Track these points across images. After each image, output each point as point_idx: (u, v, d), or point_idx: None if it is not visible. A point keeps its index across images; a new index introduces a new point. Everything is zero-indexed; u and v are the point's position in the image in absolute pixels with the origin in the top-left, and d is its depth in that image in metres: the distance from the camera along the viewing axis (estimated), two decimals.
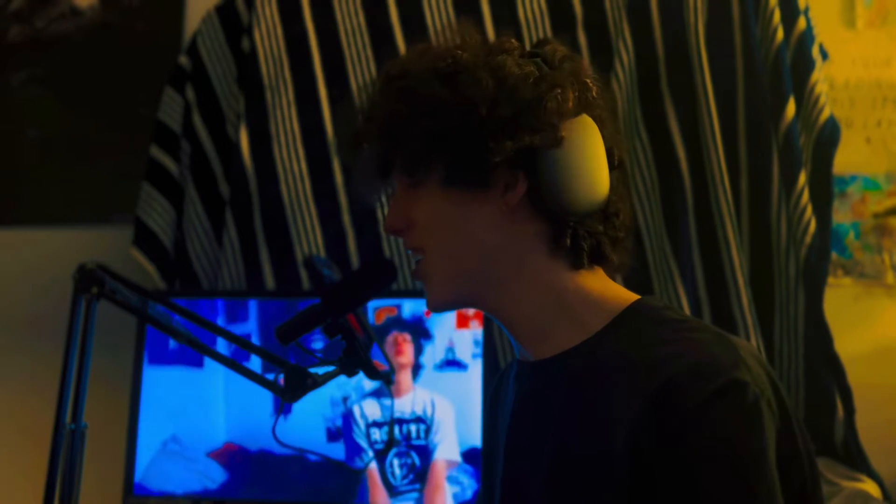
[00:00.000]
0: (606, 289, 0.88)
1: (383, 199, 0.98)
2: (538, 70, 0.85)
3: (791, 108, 1.73)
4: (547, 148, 0.83)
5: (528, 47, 0.91)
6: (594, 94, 0.89)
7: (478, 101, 0.82)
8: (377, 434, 1.63)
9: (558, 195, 0.83)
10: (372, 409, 1.64)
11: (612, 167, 0.88)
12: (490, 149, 0.82)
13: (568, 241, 0.85)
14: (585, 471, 0.78)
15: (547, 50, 0.89)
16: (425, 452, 1.60)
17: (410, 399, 1.62)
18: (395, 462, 1.61)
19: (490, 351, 1.63)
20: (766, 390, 0.76)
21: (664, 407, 0.74)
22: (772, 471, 0.73)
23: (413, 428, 1.61)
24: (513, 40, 0.90)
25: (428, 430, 1.60)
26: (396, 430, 1.61)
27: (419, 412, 1.62)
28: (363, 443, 1.62)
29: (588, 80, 0.89)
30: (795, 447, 0.78)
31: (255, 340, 1.67)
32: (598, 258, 0.88)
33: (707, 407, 0.73)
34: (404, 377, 1.63)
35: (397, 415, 1.62)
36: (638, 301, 0.86)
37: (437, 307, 0.90)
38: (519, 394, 0.92)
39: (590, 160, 0.85)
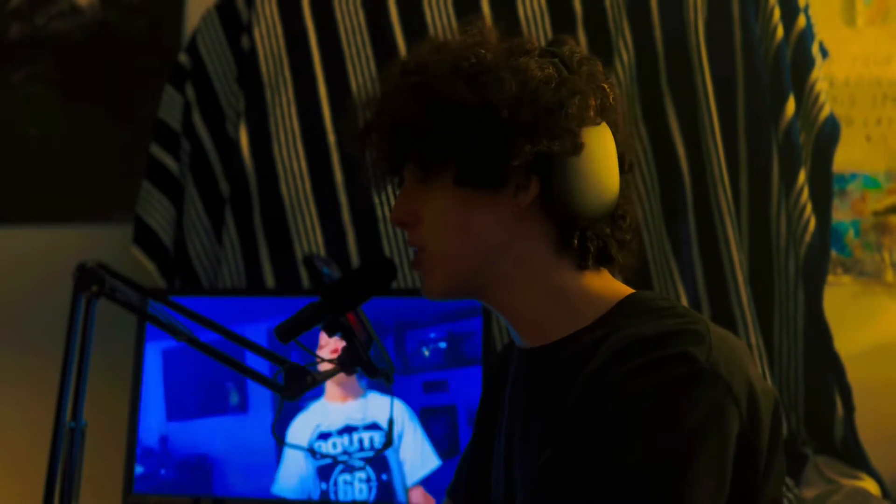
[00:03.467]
0: (606, 286, 0.88)
1: (388, 191, 0.97)
2: (558, 73, 0.85)
3: (791, 106, 1.73)
4: (565, 155, 0.83)
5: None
6: (611, 99, 0.89)
7: (499, 104, 0.82)
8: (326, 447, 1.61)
9: (570, 200, 0.84)
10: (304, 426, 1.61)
11: (622, 171, 0.89)
12: (507, 152, 0.82)
13: (575, 242, 0.86)
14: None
15: (565, 51, 0.88)
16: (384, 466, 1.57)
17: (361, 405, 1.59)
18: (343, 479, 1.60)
19: (489, 345, 1.63)
20: (728, 376, 0.74)
21: (610, 367, 0.76)
22: (683, 444, 0.72)
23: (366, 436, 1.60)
24: (533, 40, 0.89)
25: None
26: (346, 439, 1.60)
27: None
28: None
29: (605, 86, 0.89)
30: (757, 443, 0.76)
31: None
32: (604, 260, 0.88)
33: (644, 370, 0.74)
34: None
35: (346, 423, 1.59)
36: (633, 294, 0.87)
37: (434, 297, 0.91)
38: (515, 379, 0.94)
39: (603, 167, 0.86)
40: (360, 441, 1.60)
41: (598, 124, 0.86)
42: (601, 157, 0.85)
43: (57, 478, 1.11)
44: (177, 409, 1.67)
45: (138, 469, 1.66)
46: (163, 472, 1.66)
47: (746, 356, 0.80)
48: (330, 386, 1.60)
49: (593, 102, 0.85)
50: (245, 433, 1.64)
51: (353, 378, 1.58)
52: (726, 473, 0.74)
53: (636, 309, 0.84)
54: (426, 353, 1.58)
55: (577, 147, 0.83)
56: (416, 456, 1.57)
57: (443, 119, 0.83)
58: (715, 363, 0.74)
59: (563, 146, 0.82)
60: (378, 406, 1.60)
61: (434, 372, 1.58)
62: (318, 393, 1.61)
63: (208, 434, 1.66)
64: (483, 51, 0.85)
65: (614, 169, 0.87)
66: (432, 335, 1.59)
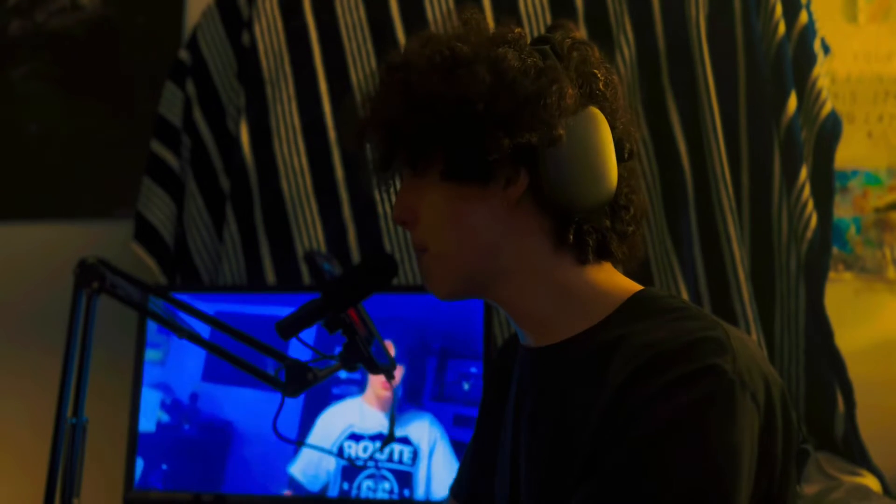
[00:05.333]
0: (612, 282, 0.87)
1: (387, 190, 0.97)
2: (542, 61, 0.83)
3: (792, 103, 1.73)
4: (545, 146, 0.81)
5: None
6: (601, 85, 0.86)
7: (474, 97, 0.81)
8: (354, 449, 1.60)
9: (561, 191, 0.82)
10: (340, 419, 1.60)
11: (621, 159, 0.87)
12: (487, 145, 0.81)
13: (571, 236, 0.84)
14: (579, 450, 0.78)
15: (556, 37, 0.86)
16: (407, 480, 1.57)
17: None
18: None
19: (490, 342, 1.63)
20: (752, 383, 0.74)
21: (637, 383, 0.74)
22: (728, 460, 0.71)
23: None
24: (518, 29, 0.87)
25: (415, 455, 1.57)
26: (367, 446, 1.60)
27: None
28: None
29: (596, 71, 0.86)
30: (772, 449, 0.76)
31: None
32: (604, 253, 0.87)
33: (675, 387, 0.72)
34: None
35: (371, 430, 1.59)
36: (641, 291, 0.86)
37: (441, 297, 0.90)
38: (521, 378, 0.93)
39: (595, 155, 0.83)
40: (391, 452, 1.59)
41: (586, 111, 0.84)
42: (590, 145, 0.83)
43: (58, 473, 1.12)
44: (214, 371, 1.67)
45: (163, 417, 1.67)
46: (186, 426, 1.67)
47: (759, 352, 0.80)
48: (370, 390, 1.62)
49: (571, 91, 0.83)
50: (271, 410, 1.65)
51: (390, 394, 1.60)
52: (751, 481, 0.73)
53: (646, 309, 0.82)
54: (466, 386, 1.58)
55: (557, 137, 0.81)
56: (444, 476, 1.56)
57: (422, 115, 0.83)
58: (740, 372, 0.74)
59: (542, 137, 0.81)
60: (410, 422, 1.59)
61: (468, 407, 1.58)
62: (358, 391, 1.62)
63: (236, 402, 1.66)
64: (460, 44, 0.84)
65: (609, 157, 0.85)
66: (473, 370, 1.59)
